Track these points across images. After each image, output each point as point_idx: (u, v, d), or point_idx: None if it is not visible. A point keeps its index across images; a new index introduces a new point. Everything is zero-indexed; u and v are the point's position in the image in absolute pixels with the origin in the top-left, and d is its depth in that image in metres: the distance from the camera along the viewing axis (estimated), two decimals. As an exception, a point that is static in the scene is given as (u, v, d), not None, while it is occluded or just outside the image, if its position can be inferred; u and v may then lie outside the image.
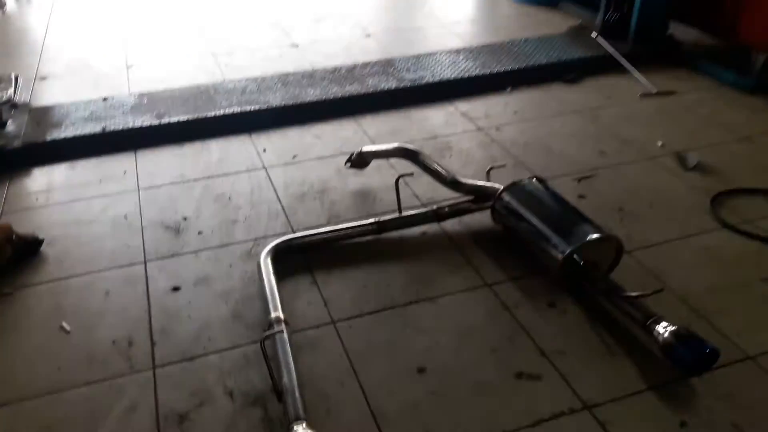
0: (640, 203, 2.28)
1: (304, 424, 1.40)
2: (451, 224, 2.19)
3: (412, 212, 2.17)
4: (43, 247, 2.10)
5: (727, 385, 1.56)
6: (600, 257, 1.86)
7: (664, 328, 1.59)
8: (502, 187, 2.10)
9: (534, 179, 2.10)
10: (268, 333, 1.59)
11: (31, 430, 1.50)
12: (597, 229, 1.85)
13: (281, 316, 1.71)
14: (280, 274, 1.94)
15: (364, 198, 2.36)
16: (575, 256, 1.80)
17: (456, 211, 2.18)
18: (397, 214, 2.15)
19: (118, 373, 1.64)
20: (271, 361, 1.53)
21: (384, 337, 1.74)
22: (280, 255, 2.01)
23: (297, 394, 1.48)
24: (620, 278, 1.86)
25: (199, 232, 2.18)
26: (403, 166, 2.37)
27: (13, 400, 1.56)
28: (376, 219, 2.12)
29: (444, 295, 1.88)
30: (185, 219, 2.25)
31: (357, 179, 2.46)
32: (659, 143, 2.64)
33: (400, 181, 2.17)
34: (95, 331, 1.78)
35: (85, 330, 1.78)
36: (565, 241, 1.83)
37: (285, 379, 1.52)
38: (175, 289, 1.93)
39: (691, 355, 1.52)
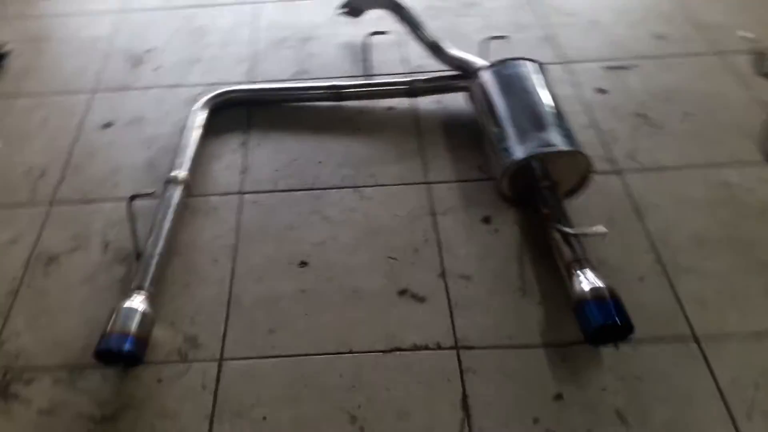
0: (672, 111, 1.84)
1: (142, 296, 1.38)
2: (426, 102, 1.92)
3: (382, 81, 1.92)
4: (9, 60, 2.15)
5: (641, 365, 1.30)
6: (562, 175, 1.55)
7: (585, 279, 1.33)
8: (485, 65, 1.77)
9: (528, 62, 1.73)
10: (140, 194, 1.53)
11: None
12: (566, 140, 1.52)
13: (180, 176, 1.64)
14: (214, 130, 1.86)
15: (347, 55, 2.12)
16: (533, 164, 1.51)
17: (432, 87, 1.89)
18: (362, 81, 1.92)
19: (18, 202, 1.70)
20: (149, 223, 1.51)
21: (284, 221, 1.62)
22: (221, 107, 1.91)
23: (153, 262, 1.45)
24: (589, 203, 1.56)
25: (157, 68, 2.10)
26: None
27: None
28: (336, 84, 1.90)
29: (374, 186, 1.69)
30: (149, 51, 2.17)
31: (349, 31, 2.20)
32: (741, 33, 2.04)
33: (377, 39, 1.90)
34: (16, 156, 1.84)
35: (8, 153, 1.85)
36: (521, 146, 1.52)
37: (150, 244, 1.49)
38: (107, 125, 1.91)
39: (597, 321, 1.26)
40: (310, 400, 1.28)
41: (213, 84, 2.01)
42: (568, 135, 1.53)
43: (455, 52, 1.89)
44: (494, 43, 1.90)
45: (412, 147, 1.79)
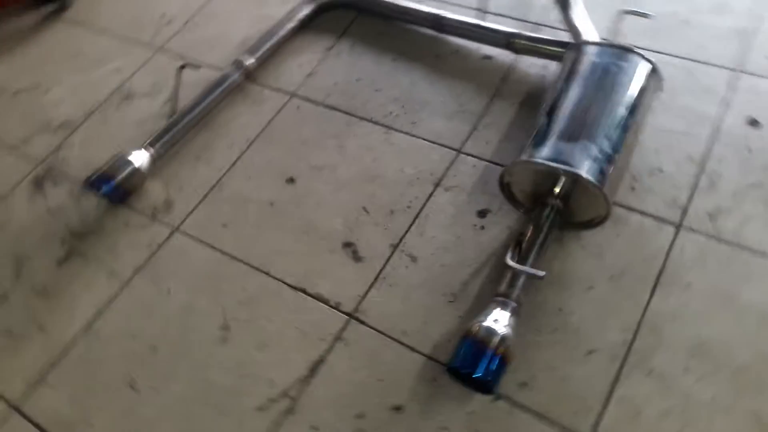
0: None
1: (146, 153, 1.62)
2: (529, 63, 1.73)
3: (485, 25, 1.77)
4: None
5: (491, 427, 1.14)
6: (578, 203, 1.32)
7: (494, 317, 1.17)
8: (582, 41, 1.53)
9: (642, 59, 1.42)
10: (190, 64, 1.73)
11: None
12: (598, 169, 1.26)
13: (246, 62, 1.81)
14: (315, 26, 1.95)
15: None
16: (556, 171, 1.31)
17: (529, 48, 1.68)
18: (466, 18, 1.79)
19: (139, 40, 2.05)
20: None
21: (305, 134, 1.68)
22: (332, 6, 1.98)
23: (172, 129, 1.68)
24: (614, 243, 1.35)
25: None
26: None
27: None
28: (438, 13, 1.81)
29: (406, 134, 1.63)
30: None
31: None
32: None
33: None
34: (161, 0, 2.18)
35: (161, -2, 2.20)
36: (547, 148, 1.31)
37: (180, 113, 1.71)
38: (239, -4, 2.13)
39: (457, 362, 1.13)
40: (207, 294, 1.42)
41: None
42: (606, 164, 1.28)
43: (577, 14, 1.64)
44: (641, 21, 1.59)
45: (476, 108, 1.66)
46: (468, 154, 1.57)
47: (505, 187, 1.40)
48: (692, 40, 1.70)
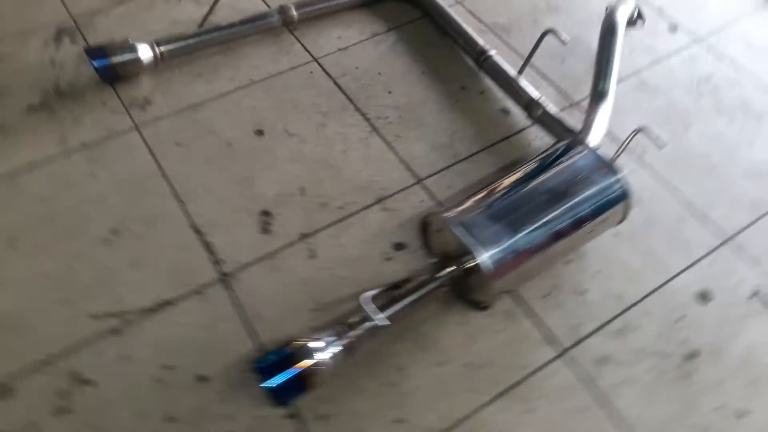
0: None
1: (150, 46, 1.69)
2: (538, 134, 1.66)
3: (515, 81, 1.70)
4: None
5: None
6: (477, 281, 1.27)
7: (323, 338, 1.16)
8: (578, 138, 1.45)
9: (615, 179, 1.34)
10: None
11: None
12: (498, 256, 1.21)
13: (289, 11, 1.83)
14: (374, 10, 1.96)
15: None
16: (465, 239, 1.27)
17: (542, 120, 1.61)
18: (504, 67, 1.73)
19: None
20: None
21: (300, 100, 1.70)
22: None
23: (198, 38, 1.73)
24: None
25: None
26: None
27: None
28: (486, 49, 1.76)
29: (386, 143, 1.62)
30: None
31: None
32: None
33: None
34: None
35: None
36: (465, 213, 1.27)
37: (219, 25, 1.76)
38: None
39: (258, 364, 1.13)
40: (122, 195, 1.47)
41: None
42: (513, 258, 1.22)
43: (602, 111, 1.55)
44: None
45: (462, 151, 1.60)
46: (425, 188, 1.54)
47: (424, 231, 1.36)
48: (707, 190, 1.57)
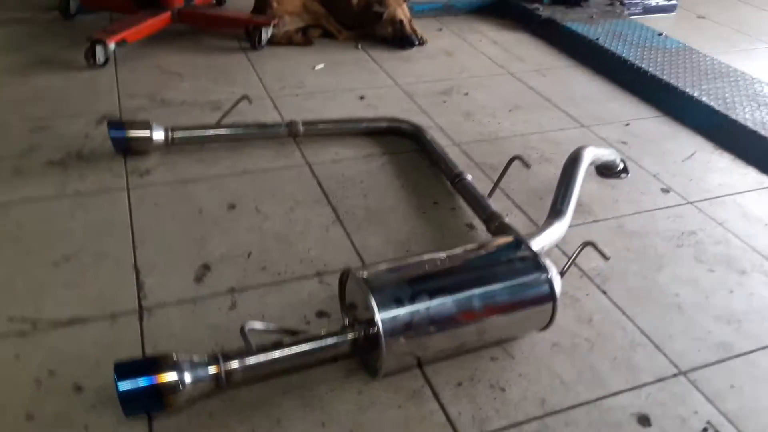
0: None
1: None
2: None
3: (480, 199, 1.73)
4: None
5: None
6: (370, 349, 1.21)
7: (199, 359, 1.11)
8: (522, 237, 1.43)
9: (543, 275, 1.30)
10: (247, 98, 2.00)
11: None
12: (392, 315, 1.16)
13: (297, 126, 2.03)
14: (377, 137, 2.13)
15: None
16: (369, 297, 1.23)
17: (499, 232, 1.61)
18: (473, 190, 1.79)
19: None
20: None
21: (286, 196, 1.81)
22: (400, 133, 2.14)
23: (198, 132, 1.95)
24: None
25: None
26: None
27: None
28: (461, 173, 1.84)
29: (343, 230, 1.66)
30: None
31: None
32: None
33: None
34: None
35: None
36: (380, 274, 1.25)
37: (220, 123, 1.98)
38: None
39: (121, 363, 1.08)
40: (91, 236, 1.57)
41: None
42: (410, 320, 1.17)
43: (556, 227, 1.54)
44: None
45: (418, 251, 1.62)
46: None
47: (342, 293, 1.33)
48: (668, 327, 1.46)
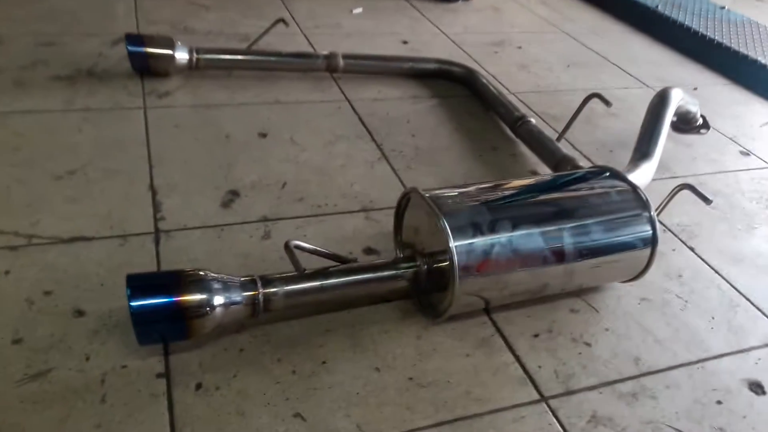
0: None
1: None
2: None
3: (546, 143, 1.52)
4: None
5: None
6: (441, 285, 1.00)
7: (229, 281, 0.91)
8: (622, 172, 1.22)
9: (637, 195, 1.09)
10: (284, 21, 1.80)
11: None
12: (464, 247, 0.95)
13: (336, 59, 1.82)
14: (427, 81, 1.92)
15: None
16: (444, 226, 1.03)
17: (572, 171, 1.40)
18: (536, 132, 1.58)
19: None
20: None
21: (322, 127, 1.60)
22: (450, 76, 1.93)
23: (227, 56, 1.74)
24: None
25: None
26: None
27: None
28: (523, 116, 1.63)
29: (392, 170, 1.45)
30: None
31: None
32: None
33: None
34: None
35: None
36: (449, 198, 1.04)
37: (251, 48, 1.77)
38: None
39: (133, 276, 0.87)
40: (100, 151, 1.37)
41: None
42: (488, 253, 0.96)
43: (645, 169, 1.34)
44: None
45: (474, 192, 1.42)
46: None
47: (400, 218, 1.13)
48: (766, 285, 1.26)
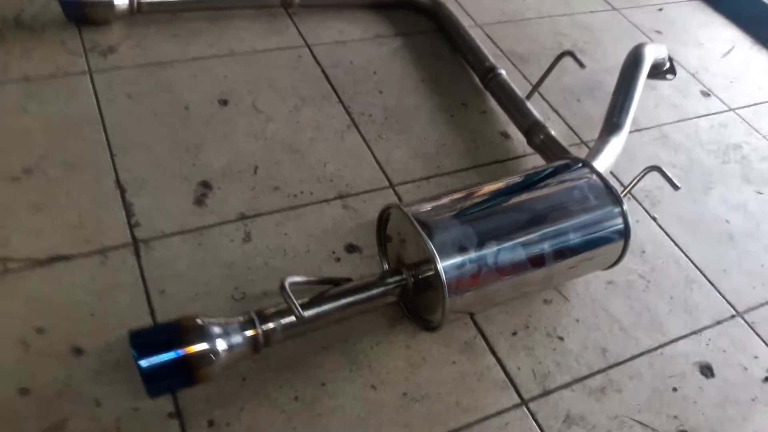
0: None
1: None
2: (537, 163, 1.51)
3: (519, 102, 1.56)
4: None
5: None
6: (430, 295, 1.08)
7: (229, 324, 0.96)
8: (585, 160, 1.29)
9: (617, 209, 1.17)
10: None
11: None
12: (454, 266, 1.02)
13: (291, -10, 1.73)
14: (387, 14, 1.86)
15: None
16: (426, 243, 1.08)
17: (542, 147, 1.46)
18: (510, 88, 1.60)
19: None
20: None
21: (281, 82, 1.56)
22: (413, 7, 1.88)
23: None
24: None
25: None
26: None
27: None
28: (494, 67, 1.63)
29: (364, 140, 1.47)
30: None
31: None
32: None
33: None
34: None
35: None
36: (430, 211, 1.09)
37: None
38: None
39: (136, 333, 0.92)
40: (54, 139, 1.31)
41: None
42: (475, 271, 1.04)
43: (612, 145, 1.40)
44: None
45: (448, 165, 1.45)
46: (396, 194, 1.37)
47: (382, 230, 1.19)
48: (721, 259, 1.41)
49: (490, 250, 1.06)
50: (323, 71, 1.62)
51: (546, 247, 1.11)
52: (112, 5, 1.54)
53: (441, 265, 1.01)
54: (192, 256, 1.18)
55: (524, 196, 1.17)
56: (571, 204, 1.16)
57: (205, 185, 1.30)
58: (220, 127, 1.42)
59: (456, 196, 1.15)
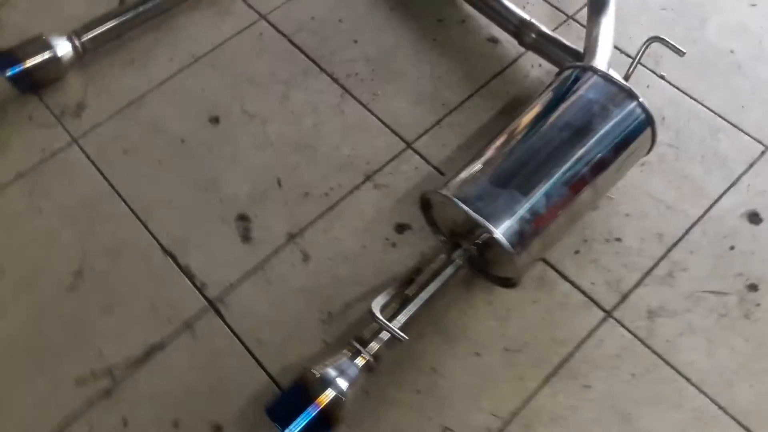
0: None
1: (71, 43, 1.52)
2: (534, 62, 1.53)
3: (501, 1, 1.55)
4: None
5: None
6: (496, 257, 1.18)
7: (340, 366, 1.08)
8: (582, 64, 1.32)
9: (641, 110, 1.22)
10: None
11: None
12: (518, 230, 1.11)
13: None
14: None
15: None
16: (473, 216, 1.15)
17: (537, 46, 1.48)
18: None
19: None
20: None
21: (255, 71, 1.55)
22: None
23: (113, 21, 1.57)
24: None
25: None
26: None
27: None
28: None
29: (363, 105, 1.49)
30: None
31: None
32: None
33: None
34: None
35: None
36: (465, 184, 1.17)
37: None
38: None
39: (271, 408, 1.07)
40: (76, 228, 1.35)
41: None
42: (532, 226, 1.13)
43: (605, 24, 1.42)
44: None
45: (451, 98, 1.48)
46: (416, 152, 1.42)
47: (426, 209, 1.26)
48: (736, 95, 1.47)
49: (538, 199, 1.14)
50: (290, 41, 1.60)
51: (583, 169, 1.18)
52: (57, 59, 1.50)
53: (502, 236, 1.10)
54: (266, 294, 1.27)
55: (549, 132, 1.21)
56: (594, 120, 1.21)
57: (243, 218, 1.35)
58: (225, 150, 1.44)
59: (484, 156, 1.20)
